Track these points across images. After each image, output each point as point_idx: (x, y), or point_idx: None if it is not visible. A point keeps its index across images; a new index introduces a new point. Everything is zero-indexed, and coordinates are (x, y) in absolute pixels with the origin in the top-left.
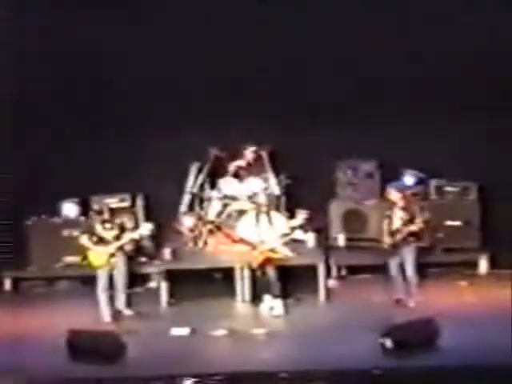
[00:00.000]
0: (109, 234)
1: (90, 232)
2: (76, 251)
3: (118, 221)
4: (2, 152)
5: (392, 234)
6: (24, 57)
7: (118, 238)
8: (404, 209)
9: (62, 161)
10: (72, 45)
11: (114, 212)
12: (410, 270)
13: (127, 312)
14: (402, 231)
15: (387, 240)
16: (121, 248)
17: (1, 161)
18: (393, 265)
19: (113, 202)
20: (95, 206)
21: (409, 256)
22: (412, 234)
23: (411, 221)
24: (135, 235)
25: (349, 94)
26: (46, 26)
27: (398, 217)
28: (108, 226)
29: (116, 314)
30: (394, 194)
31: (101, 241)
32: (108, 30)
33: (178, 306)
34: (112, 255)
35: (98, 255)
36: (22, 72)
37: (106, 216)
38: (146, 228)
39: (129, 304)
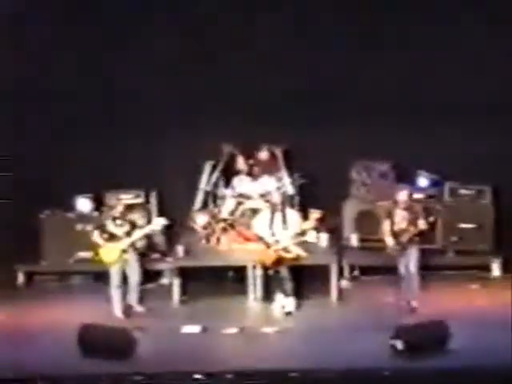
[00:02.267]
0: (120, 231)
1: (101, 228)
2: (89, 246)
3: (128, 217)
4: (18, 146)
5: (395, 234)
6: (35, 52)
7: (128, 234)
8: (407, 209)
9: (77, 156)
10: (85, 41)
11: (126, 208)
12: (413, 269)
13: (139, 309)
14: (409, 231)
15: (390, 241)
16: (132, 244)
17: (16, 155)
18: (402, 266)
19: (127, 198)
20: (111, 202)
21: (413, 256)
22: (417, 234)
23: (415, 221)
24: (146, 230)
25: (364, 94)
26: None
27: (401, 217)
28: (119, 222)
29: (128, 310)
30: (404, 194)
31: (112, 237)
32: (121, 28)
33: (190, 304)
34: (124, 251)
35: (109, 252)
36: (36, 67)
37: (118, 212)
38: (158, 223)
39: (141, 301)
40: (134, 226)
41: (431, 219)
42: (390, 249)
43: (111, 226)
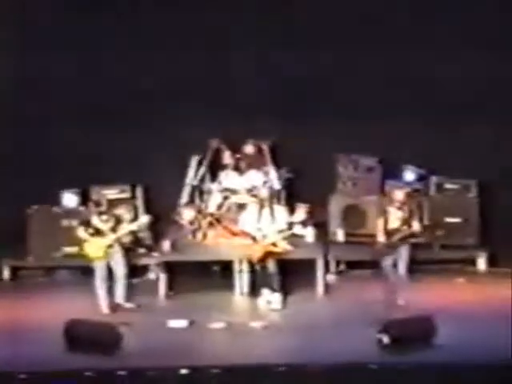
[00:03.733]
0: (105, 226)
1: (87, 224)
2: (75, 241)
3: (114, 212)
4: (3, 140)
5: (388, 233)
6: (24, 46)
7: (114, 229)
8: (401, 208)
9: (63, 151)
10: (73, 33)
11: (111, 204)
12: (402, 267)
13: (127, 305)
14: (402, 231)
15: (381, 239)
16: (118, 240)
17: (2, 149)
18: (387, 264)
19: (113, 193)
20: (94, 197)
21: (403, 254)
22: (410, 235)
23: (408, 221)
24: (133, 227)
25: (351, 90)
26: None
27: (396, 217)
28: (104, 217)
29: (114, 306)
30: (398, 194)
31: (97, 233)
32: (110, 25)
33: (176, 298)
34: (109, 246)
35: (94, 247)
36: (24, 62)
37: (103, 208)
38: (144, 220)
39: (128, 297)
40: (119, 221)
41: (422, 223)
42: (381, 247)
43: (96, 222)
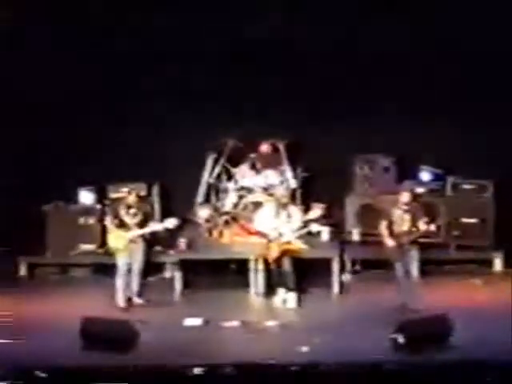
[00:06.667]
0: (131, 220)
1: (114, 215)
2: (92, 239)
3: (143, 208)
4: (21, 139)
5: (397, 235)
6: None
7: (140, 224)
8: (408, 210)
9: (80, 149)
10: (85, 32)
11: (141, 199)
12: (414, 270)
13: (138, 301)
14: (412, 233)
15: (390, 242)
16: (141, 236)
17: (19, 148)
18: (399, 267)
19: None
20: (123, 191)
21: (414, 257)
22: (420, 236)
23: (416, 223)
24: (159, 227)
25: (368, 89)
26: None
27: (401, 219)
28: (132, 211)
29: (129, 302)
30: (406, 196)
31: (123, 225)
32: (123, 19)
33: (192, 297)
34: (131, 241)
35: (117, 238)
36: (36, 63)
37: (133, 202)
38: (171, 222)
39: (140, 293)
40: (147, 217)
41: (437, 222)
42: (390, 251)
43: (123, 214)
